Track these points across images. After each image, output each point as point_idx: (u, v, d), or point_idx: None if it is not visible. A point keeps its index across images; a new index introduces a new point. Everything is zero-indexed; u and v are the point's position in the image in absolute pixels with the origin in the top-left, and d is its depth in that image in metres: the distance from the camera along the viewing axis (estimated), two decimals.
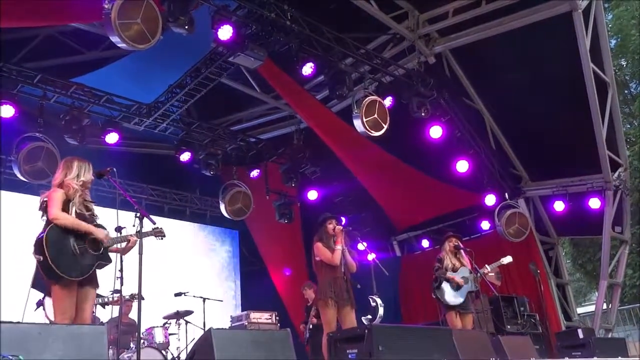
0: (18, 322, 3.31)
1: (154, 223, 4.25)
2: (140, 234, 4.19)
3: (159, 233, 4.59)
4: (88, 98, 8.03)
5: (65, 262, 3.85)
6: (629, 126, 17.60)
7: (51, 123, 7.76)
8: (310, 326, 7.95)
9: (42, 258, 3.82)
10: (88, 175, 4.18)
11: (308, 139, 10.24)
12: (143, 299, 4.05)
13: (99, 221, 4.24)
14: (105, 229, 4.16)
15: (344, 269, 5.56)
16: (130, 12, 5.43)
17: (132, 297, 6.72)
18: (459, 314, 6.43)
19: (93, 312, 5.39)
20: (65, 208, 4.02)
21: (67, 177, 4.14)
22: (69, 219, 3.95)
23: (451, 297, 6.44)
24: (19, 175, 7.53)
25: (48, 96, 7.69)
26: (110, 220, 4.30)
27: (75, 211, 4.05)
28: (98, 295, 5.72)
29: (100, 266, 4.08)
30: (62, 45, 7.92)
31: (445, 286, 6.49)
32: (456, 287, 6.47)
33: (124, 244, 4.20)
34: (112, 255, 4.23)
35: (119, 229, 4.22)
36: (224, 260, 12.01)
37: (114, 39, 5.47)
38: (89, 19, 6.91)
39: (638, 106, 16.24)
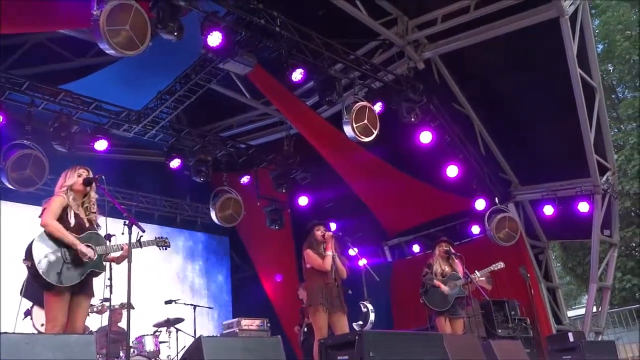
0: (5, 332, 3.28)
1: (143, 231, 4.22)
2: (139, 243, 4.20)
3: (162, 243, 4.59)
4: (77, 105, 7.99)
5: (53, 269, 3.82)
6: (616, 130, 17.77)
7: (39, 130, 7.70)
8: (305, 329, 7.92)
9: (30, 264, 3.82)
10: (71, 179, 4.15)
11: (298, 145, 10.24)
12: (133, 308, 4.03)
13: (100, 231, 4.22)
14: (99, 242, 4.08)
15: (335, 275, 5.56)
16: (119, 18, 5.41)
17: (122, 306, 6.67)
18: (448, 319, 6.43)
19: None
20: (64, 214, 4.02)
21: (57, 185, 4.18)
22: (57, 228, 3.92)
23: (438, 302, 6.44)
24: (6, 183, 7.45)
25: (36, 103, 7.64)
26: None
27: (74, 215, 4.04)
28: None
29: (94, 274, 4.03)
30: (50, 52, 7.89)
31: (433, 292, 6.49)
32: (442, 293, 6.47)
33: (118, 253, 4.16)
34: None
35: (108, 237, 4.18)
36: (214, 267, 11.96)
37: (103, 45, 5.44)
38: (77, 25, 6.88)
39: (624, 110, 16.40)
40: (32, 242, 3.86)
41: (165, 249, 4.70)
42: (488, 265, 6.93)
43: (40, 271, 3.78)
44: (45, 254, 3.83)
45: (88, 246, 3.98)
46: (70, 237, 3.92)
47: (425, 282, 6.54)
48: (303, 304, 8.25)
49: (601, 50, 17.59)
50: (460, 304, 6.53)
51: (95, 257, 4.00)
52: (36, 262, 3.79)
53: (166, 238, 4.72)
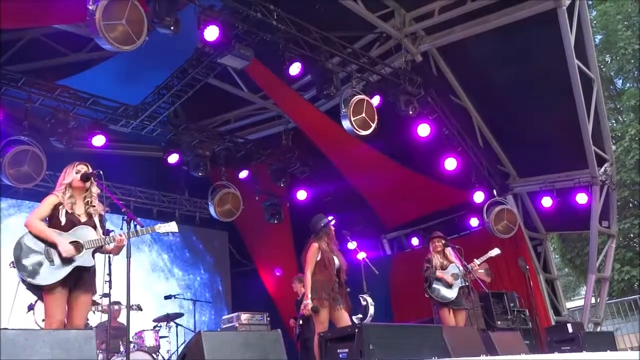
0: (5, 329, 3.27)
1: (142, 226, 4.21)
2: (136, 232, 4.18)
3: (165, 228, 4.48)
4: (74, 100, 7.97)
5: (35, 268, 3.80)
6: (614, 122, 17.74)
7: (37, 126, 7.67)
8: (301, 322, 7.93)
9: (14, 266, 3.84)
10: (70, 176, 4.14)
11: (296, 139, 10.24)
12: (141, 309, 4.02)
13: (106, 224, 4.21)
14: (90, 236, 4.05)
15: (338, 273, 5.56)
16: (115, 13, 5.39)
17: (132, 307, 6.70)
18: (452, 310, 6.53)
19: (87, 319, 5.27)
20: (55, 212, 4.01)
21: (58, 182, 4.19)
22: (38, 228, 3.91)
23: (444, 293, 6.53)
24: (3, 179, 7.44)
25: (33, 99, 7.61)
26: None
27: (66, 212, 4.02)
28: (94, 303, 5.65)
29: (84, 269, 3.98)
30: (47, 48, 7.83)
31: (437, 284, 6.56)
32: (447, 284, 6.55)
33: (112, 245, 4.14)
34: (101, 257, 4.19)
35: (107, 233, 4.18)
36: (213, 261, 11.97)
37: (99, 40, 5.43)
38: (73, 20, 6.84)
39: (627, 101, 16.29)
40: (15, 245, 3.86)
41: (172, 234, 4.59)
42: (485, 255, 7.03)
43: (21, 273, 3.79)
44: (27, 255, 3.82)
45: (74, 241, 3.95)
46: (51, 236, 3.90)
47: (429, 276, 6.59)
48: (298, 296, 8.28)
49: (599, 41, 17.51)
50: (464, 294, 6.61)
51: (83, 252, 3.96)
52: (18, 264, 3.80)
53: (171, 222, 4.55)
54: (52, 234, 3.91)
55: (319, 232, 5.66)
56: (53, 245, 3.88)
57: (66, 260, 3.87)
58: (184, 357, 3.93)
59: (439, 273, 6.59)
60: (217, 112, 10.56)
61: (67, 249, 3.88)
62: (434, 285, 6.57)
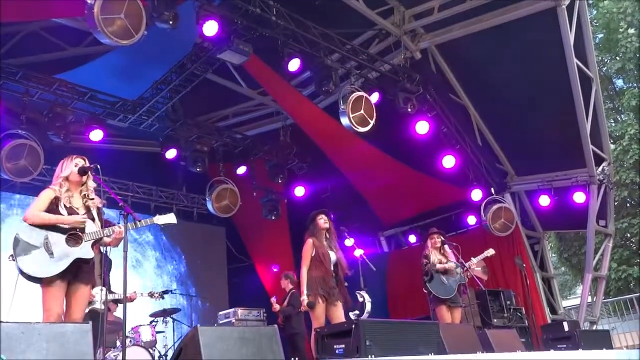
0: (1, 322, 3.27)
1: (139, 220, 4.21)
2: (135, 224, 4.17)
3: (164, 219, 4.45)
4: (71, 94, 7.95)
5: (35, 262, 3.80)
6: (612, 121, 17.71)
7: (34, 120, 7.66)
8: (284, 316, 7.95)
9: (13, 259, 3.84)
10: (67, 169, 4.13)
11: (295, 135, 10.23)
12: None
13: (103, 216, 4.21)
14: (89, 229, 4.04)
15: (335, 268, 5.56)
16: (114, 7, 5.38)
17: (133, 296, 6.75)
18: (449, 307, 6.51)
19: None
20: (53, 206, 4.00)
21: (54, 175, 4.18)
22: (37, 217, 3.91)
23: (443, 290, 6.51)
24: (1, 173, 7.42)
25: (31, 92, 7.60)
26: None
27: (65, 206, 4.01)
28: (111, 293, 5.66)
29: (83, 262, 3.97)
30: (45, 42, 7.81)
31: (437, 279, 6.54)
32: (448, 277, 6.52)
33: (111, 237, 4.13)
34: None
35: (106, 225, 4.17)
36: (210, 257, 11.95)
37: (97, 34, 5.42)
38: (72, 14, 6.82)
39: (628, 101, 16.22)
40: (14, 238, 3.86)
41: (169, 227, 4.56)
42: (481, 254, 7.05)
43: (21, 266, 3.79)
44: (26, 247, 3.82)
45: (73, 234, 3.95)
46: (54, 217, 3.91)
47: (429, 270, 6.57)
48: (286, 292, 8.30)
49: (600, 40, 17.45)
50: (460, 292, 6.61)
51: (82, 244, 3.95)
52: (17, 257, 3.81)
53: (170, 213, 4.53)
54: (55, 215, 3.92)
55: (308, 227, 5.68)
56: (58, 229, 3.88)
57: (63, 254, 3.83)
58: (180, 352, 3.92)
59: (439, 265, 6.56)
60: (215, 108, 10.54)
61: (74, 219, 3.90)
62: (434, 280, 6.53)
